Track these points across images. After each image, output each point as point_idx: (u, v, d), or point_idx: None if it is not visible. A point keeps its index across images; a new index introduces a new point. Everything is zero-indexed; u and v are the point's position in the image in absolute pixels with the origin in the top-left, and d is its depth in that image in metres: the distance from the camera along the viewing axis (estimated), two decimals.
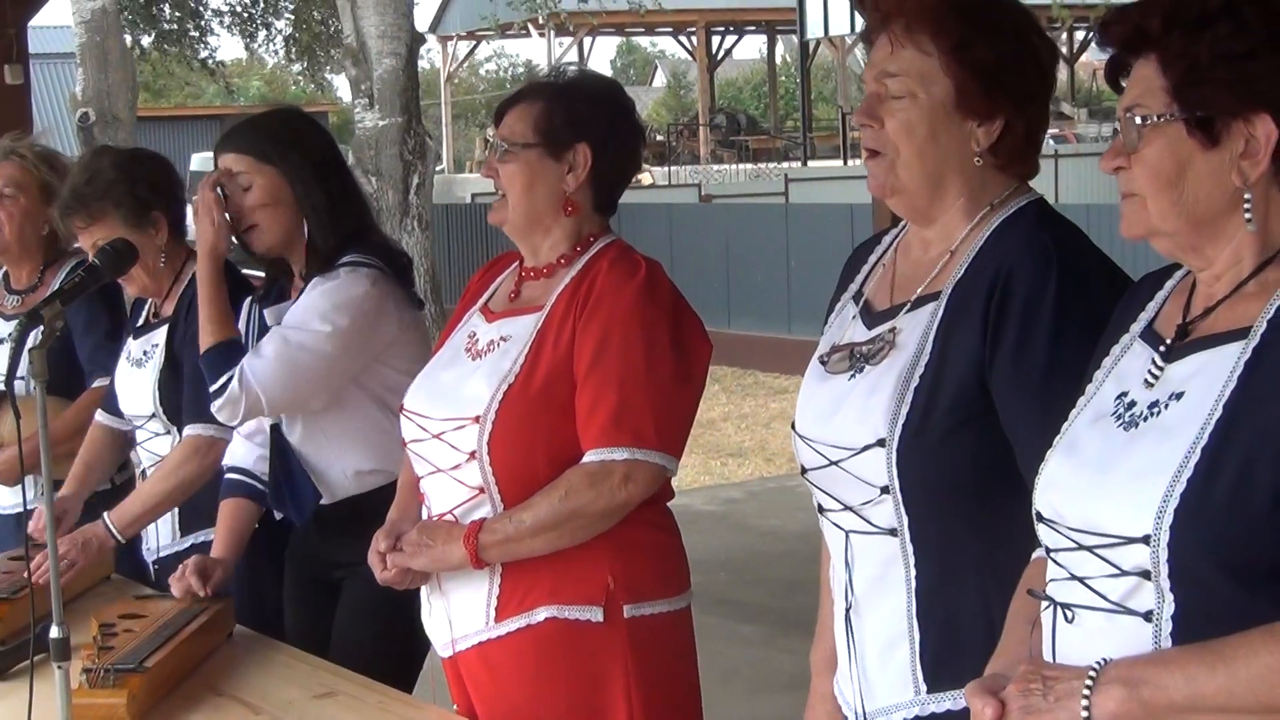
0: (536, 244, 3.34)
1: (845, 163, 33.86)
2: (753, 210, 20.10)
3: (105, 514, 4.20)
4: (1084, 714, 2.00)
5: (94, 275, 3.35)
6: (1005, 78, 2.57)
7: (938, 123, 2.58)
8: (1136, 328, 2.27)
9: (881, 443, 2.53)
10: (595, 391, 3.13)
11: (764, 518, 10.22)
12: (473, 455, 3.17)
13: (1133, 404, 2.16)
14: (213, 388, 3.78)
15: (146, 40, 22.98)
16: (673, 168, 35.50)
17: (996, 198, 2.63)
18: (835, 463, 2.61)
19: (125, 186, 4.26)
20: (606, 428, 3.12)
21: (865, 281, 2.80)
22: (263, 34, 24.08)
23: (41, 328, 2.97)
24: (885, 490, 2.55)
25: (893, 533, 2.58)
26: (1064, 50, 40.70)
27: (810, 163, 36.19)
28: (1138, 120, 2.14)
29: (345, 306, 3.77)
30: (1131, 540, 2.04)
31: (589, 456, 3.13)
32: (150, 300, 4.46)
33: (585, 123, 3.27)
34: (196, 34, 23.71)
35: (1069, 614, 2.15)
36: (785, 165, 35.39)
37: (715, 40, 44.45)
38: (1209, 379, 2.08)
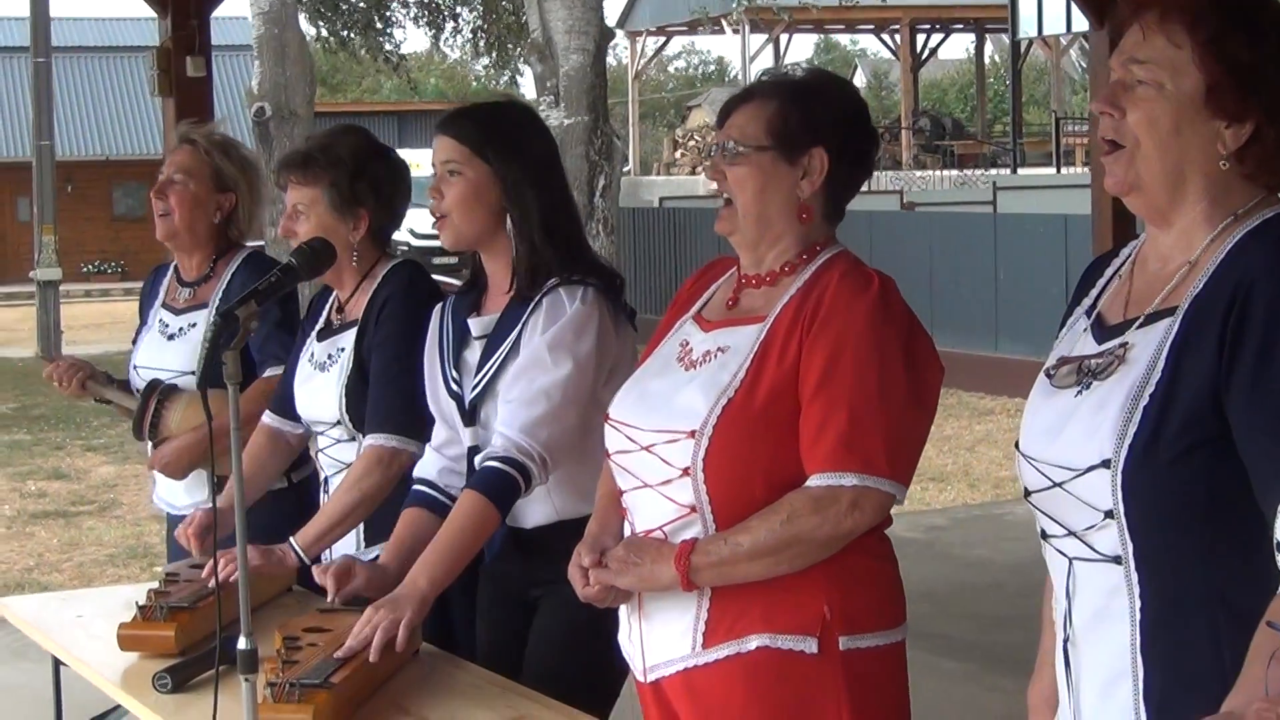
0: (762, 252, 3.31)
1: (1058, 170, 33.46)
2: (958, 219, 19.98)
3: (291, 538, 4.27)
4: None
5: (290, 275, 3.39)
6: (1261, 79, 2.53)
7: (1183, 117, 2.56)
8: None
9: (1107, 464, 2.50)
10: (823, 412, 3.10)
11: (970, 547, 10.15)
12: (686, 471, 3.15)
13: None
14: (525, 491, 3.79)
15: (327, 32, 23.33)
16: (873, 173, 35.31)
17: (1241, 207, 2.59)
18: (1059, 484, 2.59)
19: (348, 173, 4.34)
20: (835, 451, 3.08)
21: (1100, 295, 2.77)
22: (450, 25, 24.25)
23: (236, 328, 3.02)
24: (1109, 515, 2.52)
25: (1117, 560, 2.55)
26: None
27: (1020, 170, 35.80)
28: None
29: (582, 336, 3.82)
30: None
31: (814, 480, 3.10)
32: (333, 298, 4.53)
33: (822, 126, 3.25)
34: (381, 25, 24.02)
35: None
36: (993, 172, 35.02)
37: (920, 38, 44.11)
38: None
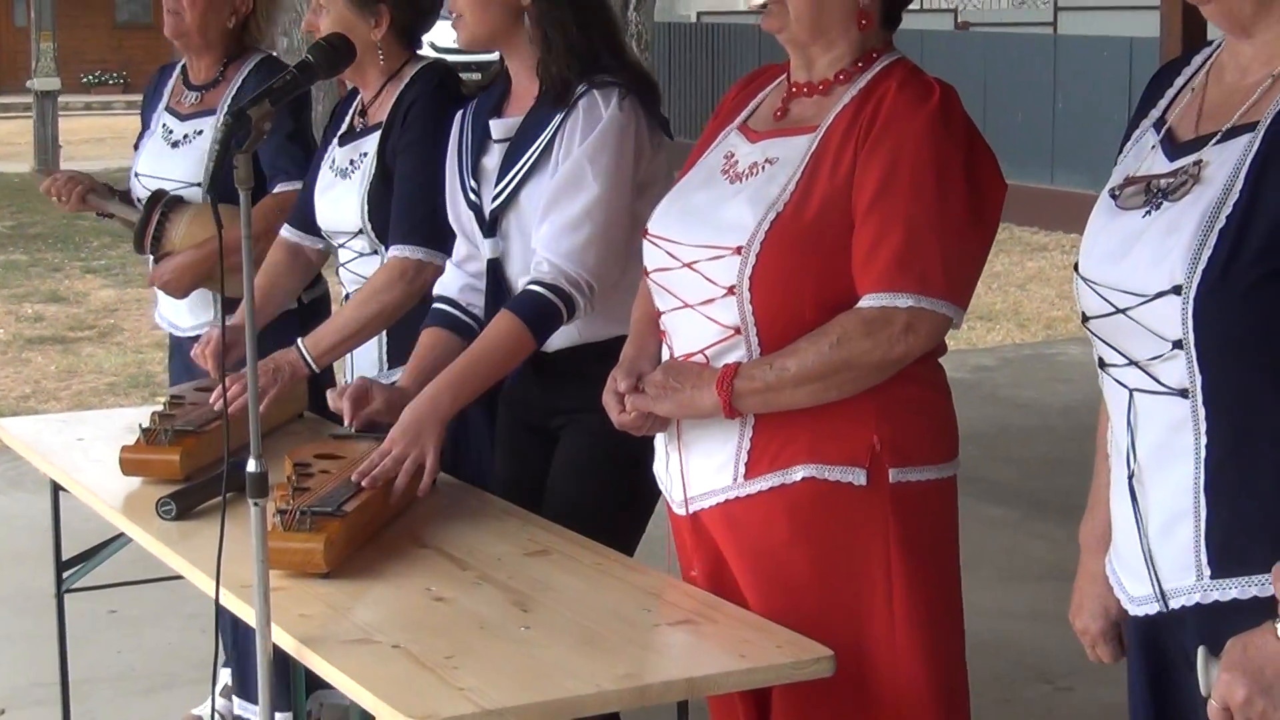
0: (814, 57, 3.25)
1: None
2: (1016, 41, 19.77)
3: (300, 340, 4.26)
4: None
5: (307, 74, 3.32)
6: None
7: None
8: None
9: (1177, 290, 2.45)
10: (878, 229, 3.06)
11: (1018, 388, 10.15)
12: (731, 290, 3.12)
13: None
14: (566, 322, 3.78)
15: None
16: None
17: None
18: (1122, 310, 2.55)
19: None
20: (889, 270, 3.04)
21: (1169, 107, 2.72)
22: None
23: (249, 130, 2.99)
24: (1178, 345, 2.48)
25: (1184, 394, 2.51)
26: None
27: None
28: None
29: (621, 147, 3.77)
30: None
31: (867, 301, 3.07)
32: (357, 102, 4.48)
33: None
34: None
35: None
36: None
37: None
38: None
